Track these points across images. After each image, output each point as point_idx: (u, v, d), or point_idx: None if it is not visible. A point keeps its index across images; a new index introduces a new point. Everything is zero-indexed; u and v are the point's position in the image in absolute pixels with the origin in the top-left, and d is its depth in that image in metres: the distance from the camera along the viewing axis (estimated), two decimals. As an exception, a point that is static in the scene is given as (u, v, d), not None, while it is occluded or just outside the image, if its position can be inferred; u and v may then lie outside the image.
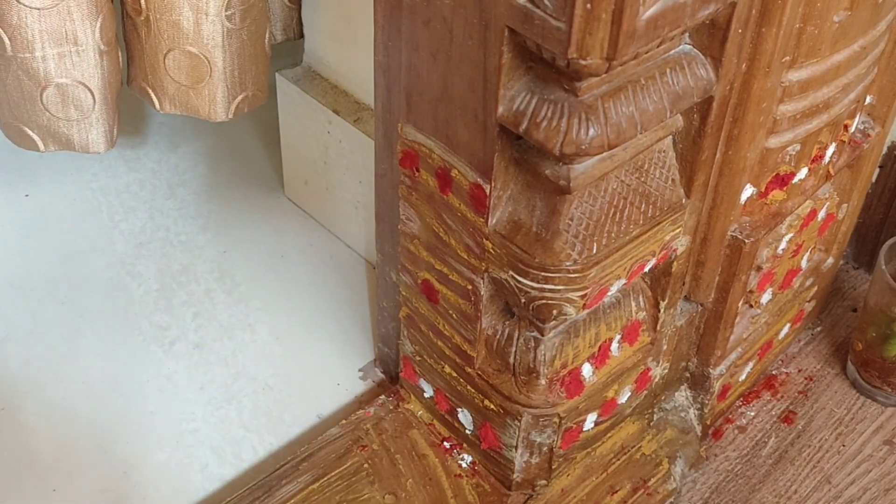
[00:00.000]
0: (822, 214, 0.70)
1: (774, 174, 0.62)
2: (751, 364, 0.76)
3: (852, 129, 0.66)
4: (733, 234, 0.62)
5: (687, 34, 0.50)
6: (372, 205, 0.65)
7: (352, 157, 0.79)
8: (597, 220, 0.53)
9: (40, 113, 0.71)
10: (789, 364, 0.82)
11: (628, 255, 0.55)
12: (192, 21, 0.69)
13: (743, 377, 0.76)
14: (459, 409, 0.65)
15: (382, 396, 0.71)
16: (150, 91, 0.74)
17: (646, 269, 0.58)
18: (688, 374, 0.72)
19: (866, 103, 0.69)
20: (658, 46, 0.46)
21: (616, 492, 0.68)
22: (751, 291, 0.68)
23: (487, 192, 0.52)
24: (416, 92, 0.53)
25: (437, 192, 0.56)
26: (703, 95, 0.51)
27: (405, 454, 0.68)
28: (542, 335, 0.57)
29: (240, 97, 0.75)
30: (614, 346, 0.61)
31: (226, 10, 0.70)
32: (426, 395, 0.68)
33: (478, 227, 0.54)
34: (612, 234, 0.53)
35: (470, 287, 0.58)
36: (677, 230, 0.58)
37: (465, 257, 0.57)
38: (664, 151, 0.55)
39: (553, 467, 0.64)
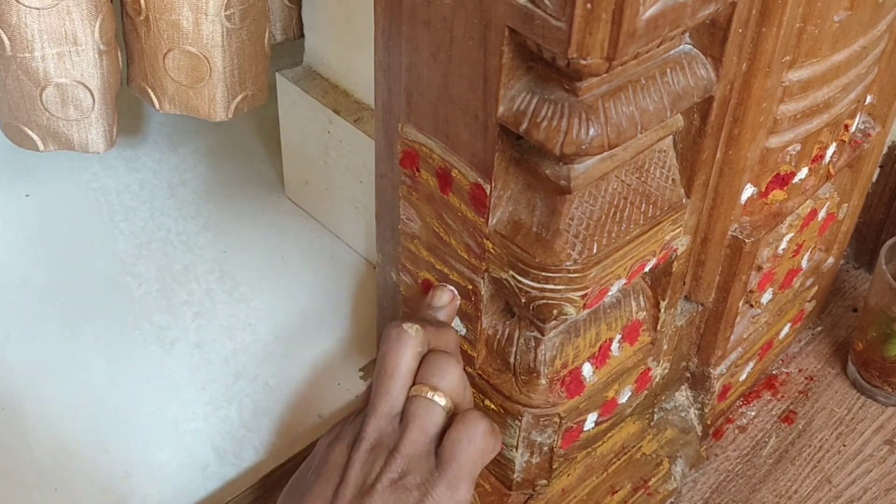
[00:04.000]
0: (822, 214, 0.70)
1: (775, 174, 0.62)
2: (751, 364, 0.76)
3: (853, 129, 0.66)
4: (734, 233, 0.62)
5: (687, 34, 0.50)
6: (372, 205, 0.65)
7: (352, 157, 0.79)
8: (597, 219, 0.53)
9: (40, 113, 0.71)
10: (790, 364, 0.82)
11: (629, 254, 0.55)
12: (191, 21, 0.69)
13: (743, 377, 0.76)
14: (460, 409, 0.65)
15: (383, 396, 0.71)
16: (150, 91, 0.74)
17: (646, 269, 0.58)
18: (688, 374, 0.72)
19: (867, 103, 0.69)
20: (658, 46, 0.46)
21: (616, 491, 0.68)
22: (751, 291, 0.68)
23: (488, 192, 0.52)
24: (417, 92, 0.53)
25: (437, 192, 0.56)
26: (703, 95, 0.51)
27: (405, 454, 0.68)
28: (543, 335, 0.57)
29: (239, 97, 0.75)
30: (615, 345, 0.61)
31: (225, 10, 0.70)
32: (426, 395, 0.68)
33: (478, 227, 0.54)
34: (613, 234, 0.53)
35: (470, 287, 0.58)
36: (678, 230, 0.58)
37: (466, 257, 0.57)
38: (664, 151, 0.55)
39: (553, 467, 0.64)
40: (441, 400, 0.53)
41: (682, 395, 0.73)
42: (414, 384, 0.54)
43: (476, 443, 0.52)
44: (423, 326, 0.55)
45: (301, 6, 0.80)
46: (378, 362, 0.55)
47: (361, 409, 0.56)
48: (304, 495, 0.53)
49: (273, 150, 0.92)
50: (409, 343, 0.54)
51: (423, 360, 0.55)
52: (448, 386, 0.54)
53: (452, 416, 0.54)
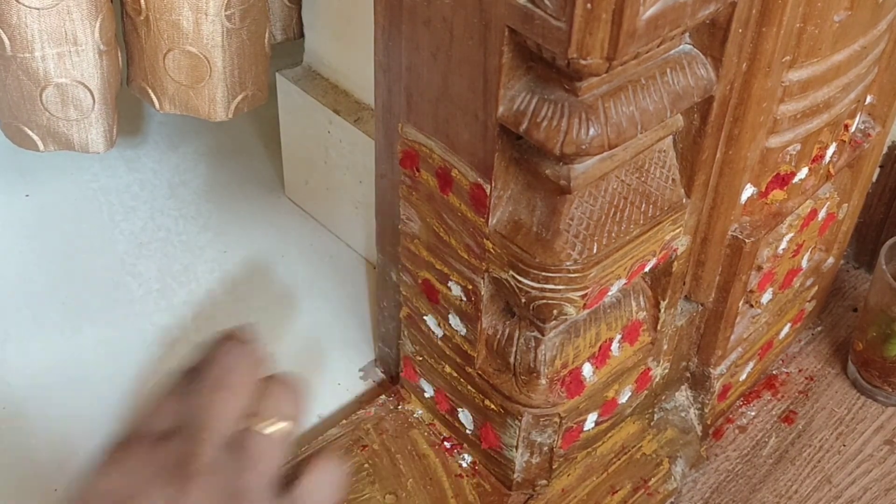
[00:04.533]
0: (822, 214, 0.70)
1: (775, 174, 0.62)
2: (751, 364, 0.76)
3: (853, 129, 0.66)
4: (734, 233, 0.62)
5: (687, 34, 0.50)
6: (372, 205, 0.65)
7: (352, 157, 0.79)
8: (597, 219, 0.53)
9: (40, 113, 0.71)
10: (790, 364, 0.82)
11: (629, 254, 0.55)
12: (191, 21, 0.69)
13: (743, 377, 0.76)
14: (460, 409, 0.65)
15: (383, 396, 0.71)
16: (150, 91, 0.74)
17: (646, 269, 0.58)
18: (688, 374, 0.72)
19: (867, 103, 0.69)
20: (658, 46, 0.46)
21: (616, 491, 0.68)
22: (751, 291, 0.68)
23: (488, 192, 0.52)
24: (417, 92, 0.53)
25: (437, 192, 0.56)
26: (703, 95, 0.51)
27: (406, 454, 0.68)
28: (543, 335, 0.57)
29: (240, 97, 0.75)
30: (615, 345, 0.61)
31: (225, 10, 0.70)
32: (426, 394, 0.68)
33: (478, 226, 0.54)
34: (613, 234, 0.53)
35: (470, 287, 0.58)
36: (678, 230, 0.58)
37: (466, 257, 0.57)
38: (664, 151, 0.55)
39: (553, 467, 0.64)
40: (276, 428, 0.45)
41: (682, 395, 0.73)
42: (250, 413, 0.45)
43: (327, 495, 0.45)
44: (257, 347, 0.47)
45: (301, 6, 0.80)
46: (206, 373, 0.47)
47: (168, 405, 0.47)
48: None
49: (273, 150, 0.92)
50: (244, 357, 0.47)
51: (260, 383, 0.46)
52: (287, 412, 0.45)
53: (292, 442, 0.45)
